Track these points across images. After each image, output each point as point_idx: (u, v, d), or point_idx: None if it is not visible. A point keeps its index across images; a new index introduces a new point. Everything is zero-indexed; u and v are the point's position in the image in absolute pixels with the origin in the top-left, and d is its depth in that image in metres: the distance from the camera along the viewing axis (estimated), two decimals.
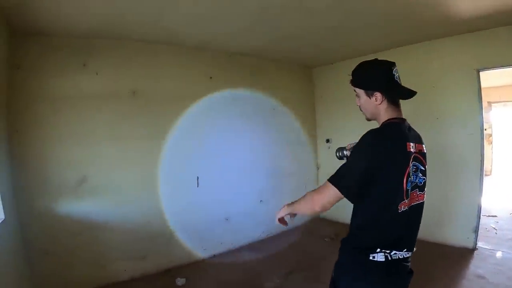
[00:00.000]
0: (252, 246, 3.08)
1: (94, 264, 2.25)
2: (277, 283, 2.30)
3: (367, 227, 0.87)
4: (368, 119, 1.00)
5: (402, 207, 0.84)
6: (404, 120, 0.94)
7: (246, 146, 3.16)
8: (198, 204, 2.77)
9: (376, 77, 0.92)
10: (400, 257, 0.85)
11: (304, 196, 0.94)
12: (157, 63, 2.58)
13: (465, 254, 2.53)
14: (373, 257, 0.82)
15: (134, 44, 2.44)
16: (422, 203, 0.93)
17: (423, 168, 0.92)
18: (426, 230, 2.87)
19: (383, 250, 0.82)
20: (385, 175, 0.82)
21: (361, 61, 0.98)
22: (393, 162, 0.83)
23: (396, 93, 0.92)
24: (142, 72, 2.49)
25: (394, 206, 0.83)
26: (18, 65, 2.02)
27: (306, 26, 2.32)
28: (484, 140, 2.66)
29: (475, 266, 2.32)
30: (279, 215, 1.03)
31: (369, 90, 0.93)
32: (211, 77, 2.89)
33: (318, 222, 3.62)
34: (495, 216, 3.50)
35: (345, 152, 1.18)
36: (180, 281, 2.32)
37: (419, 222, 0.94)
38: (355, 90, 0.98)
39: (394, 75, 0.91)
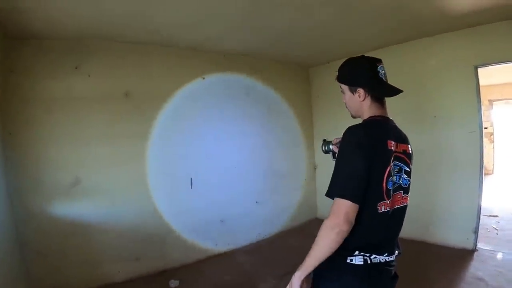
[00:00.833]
0: (247, 248, 3.05)
1: (87, 265, 2.25)
2: (273, 283, 2.27)
3: None
4: (353, 117, 0.98)
5: (383, 208, 0.81)
6: (387, 118, 0.92)
7: (241, 146, 3.14)
8: (192, 205, 2.75)
9: (360, 73, 0.90)
10: (381, 261, 0.82)
11: (317, 236, 0.78)
12: (150, 64, 2.58)
13: (465, 255, 2.48)
14: (351, 260, 0.79)
15: (126, 45, 2.44)
16: (406, 206, 0.90)
17: (408, 169, 0.89)
18: (424, 231, 2.88)
19: (362, 253, 0.80)
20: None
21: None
22: (374, 159, 0.80)
23: (380, 90, 0.90)
24: (134, 73, 2.49)
25: (373, 206, 0.80)
26: (11, 68, 2.03)
27: (298, 24, 2.29)
28: (485, 139, 2.61)
29: (475, 268, 2.27)
30: None
31: (353, 86, 0.91)
32: (204, 78, 2.88)
33: (314, 223, 3.59)
34: (496, 216, 3.43)
35: (331, 147, 1.13)
36: (173, 283, 2.31)
37: (401, 226, 0.90)
38: (340, 86, 0.97)
39: (379, 72, 0.89)
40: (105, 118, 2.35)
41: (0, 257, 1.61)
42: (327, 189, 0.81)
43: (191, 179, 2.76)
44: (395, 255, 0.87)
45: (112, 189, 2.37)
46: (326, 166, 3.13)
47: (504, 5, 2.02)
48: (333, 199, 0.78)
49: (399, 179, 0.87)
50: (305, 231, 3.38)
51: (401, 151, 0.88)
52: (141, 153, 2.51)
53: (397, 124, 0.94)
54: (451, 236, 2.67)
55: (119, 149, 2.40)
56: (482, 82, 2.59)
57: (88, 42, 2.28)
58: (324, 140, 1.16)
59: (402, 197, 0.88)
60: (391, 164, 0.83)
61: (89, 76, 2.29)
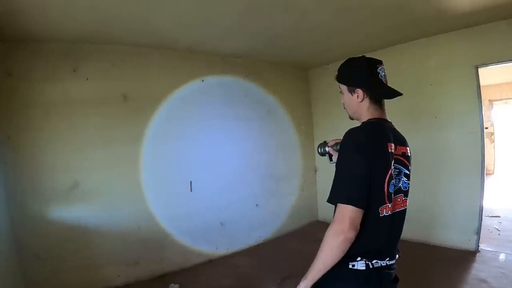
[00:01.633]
0: (247, 251, 3.03)
1: (86, 270, 2.23)
2: (273, 287, 2.25)
3: None
4: (351, 118, 0.97)
5: (384, 212, 0.79)
6: (386, 120, 0.90)
7: (241, 149, 3.12)
8: (192, 209, 2.73)
9: (359, 73, 0.89)
10: (382, 264, 0.80)
11: (322, 244, 0.75)
12: (148, 67, 2.57)
13: (467, 256, 2.45)
14: (353, 265, 0.78)
15: (124, 48, 2.43)
16: (405, 210, 0.89)
17: (407, 172, 0.88)
18: (426, 232, 2.85)
19: (363, 259, 0.78)
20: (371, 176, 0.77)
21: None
22: (375, 163, 0.78)
23: (379, 91, 0.89)
24: (133, 76, 2.48)
25: (375, 210, 0.78)
26: (9, 71, 2.03)
27: (296, 25, 2.28)
28: (486, 139, 2.59)
29: (477, 269, 2.24)
30: None
31: (351, 86, 0.90)
32: (203, 80, 2.87)
33: (315, 226, 3.56)
34: (498, 216, 3.41)
35: (327, 149, 1.11)
36: (173, 287, 2.28)
37: (402, 229, 0.89)
38: (339, 87, 0.96)
39: (378, 73, 0.88)
40: (103, 121, 2.34)
41: None
42: (329, 194, 0.78)
43: (191, 182, 2.74)
44: (396, 258, 0.86)
45: (111, 193, 2.35)
46: (326, 168, 3.09)
47: (503, 4, 2.01)
48: (336, 205, 0.76)
49: (399, 182, 0.85)
50: (306, 233, 3.36)
51: (400, 153, 0.87)
52: (139, 156, 2.50)
53: (397, 125, 0.93)
54: (453, 237, 2.65)
55: (117, 152, 2.39)
56: (482, 82, 2.58)
57: (86, 45, 2.27)
58: (320, 143, 1.13)
59: (402, 200, 0.87)
60: (392, 167, 0.81)
61: (87, 79, 2.28)
